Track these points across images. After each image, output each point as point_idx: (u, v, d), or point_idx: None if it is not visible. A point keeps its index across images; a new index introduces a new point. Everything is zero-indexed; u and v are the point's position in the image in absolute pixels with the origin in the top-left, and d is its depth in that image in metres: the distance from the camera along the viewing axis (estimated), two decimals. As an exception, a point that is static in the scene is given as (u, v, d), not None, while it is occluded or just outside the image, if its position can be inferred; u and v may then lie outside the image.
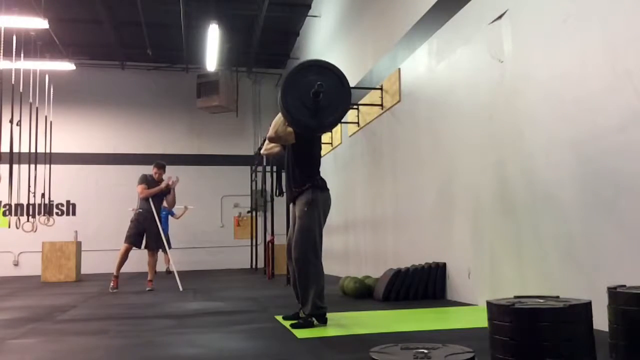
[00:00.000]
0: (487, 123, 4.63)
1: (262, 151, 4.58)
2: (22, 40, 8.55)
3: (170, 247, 7.46)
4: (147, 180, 7.28)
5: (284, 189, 4.18)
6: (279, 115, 3.94)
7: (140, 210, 7.25)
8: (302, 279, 3.82)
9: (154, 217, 7.16)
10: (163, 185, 7.27)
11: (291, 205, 4.07)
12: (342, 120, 9.30)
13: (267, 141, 4.28)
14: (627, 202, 3.17)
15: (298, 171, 3.95)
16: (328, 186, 4.02)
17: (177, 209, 10.69)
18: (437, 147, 5.58)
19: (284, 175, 4.21)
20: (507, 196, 4.36)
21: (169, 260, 9.60)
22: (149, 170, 7.50)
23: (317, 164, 4.04)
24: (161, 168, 7.42)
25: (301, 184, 3.91)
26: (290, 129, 3.90)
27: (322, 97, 3.62)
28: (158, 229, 7.17)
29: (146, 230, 7.17)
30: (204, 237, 13.25)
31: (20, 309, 5.52)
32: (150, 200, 7.18)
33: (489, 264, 4.59)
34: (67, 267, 9.87)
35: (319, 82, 3.54)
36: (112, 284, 7.09)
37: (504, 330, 1.99)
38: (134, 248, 7.18)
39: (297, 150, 3.97)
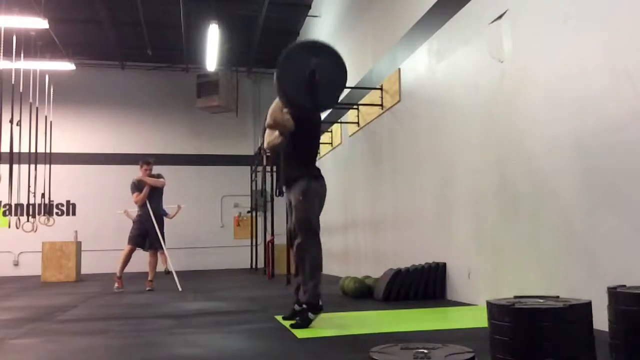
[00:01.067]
0: (487, 123, 4.64)
1: (265, 145, 4.31)
2: (22, 40, 8.54)
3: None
4: (138, 187, 7.36)
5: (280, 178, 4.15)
6: (275, 101, 3.92)
7: (141, 213, 7.37)
8: (302, 267, 3.84)
9: (152, 218, 7.25)
10: (147, 188, 7.33)
11: (286, 190, 4.04)
12: (342, 120, 9.26)
13: (267, 131, 4.14)
14: (627, 202, 3.17)
15: (294, 158, 3.95)
16: (324, 177, 4.03)
17: (171, 208, 10.66)
18: (437, 147, 5.57)
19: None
20: (507, 196, 4.36)
21: (165, 260, 9.58)
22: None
23: (315, 153, 4.07)
24: (150, 164, 7.47)
25: (297, 171, 3.92)
26: (288, 116, 3.88)
27: (319, 77, 3.63)
28: (155, 229, 7.24)
29: (148, 231, 7.27)
30: (204, 237, 13.24)
31: (20, 309, 5.51)
32: (147, 202, 7.29)
33: (489, 263, 4.59)
34: (67, 267, 9.87)
35: (315, 62, 3.59)
36: (116, 285, 7.14)
37: (504, 330, 1.98)
38: (137, 249, 7.28)
39: (297, 139, 3.94)
